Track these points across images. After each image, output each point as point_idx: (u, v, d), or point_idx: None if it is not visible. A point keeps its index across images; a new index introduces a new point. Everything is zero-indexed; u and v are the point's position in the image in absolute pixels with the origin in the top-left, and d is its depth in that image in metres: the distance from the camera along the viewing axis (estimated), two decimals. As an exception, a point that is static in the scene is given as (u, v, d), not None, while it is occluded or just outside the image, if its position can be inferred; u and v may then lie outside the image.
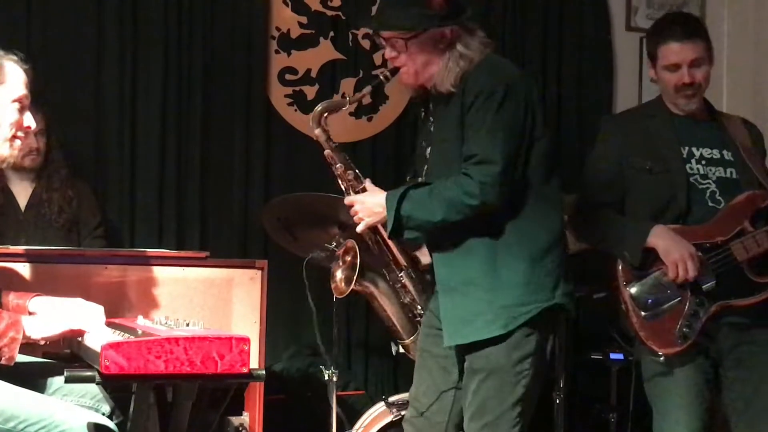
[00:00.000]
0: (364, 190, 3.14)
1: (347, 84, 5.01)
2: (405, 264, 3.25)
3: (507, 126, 2.90)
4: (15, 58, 2.84)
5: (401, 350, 3.93)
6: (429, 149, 3.11)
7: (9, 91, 2.79)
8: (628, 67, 5.54)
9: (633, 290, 3.34)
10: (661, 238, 3.32)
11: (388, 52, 3.04)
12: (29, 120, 2.85)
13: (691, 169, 3.39)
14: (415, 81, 3.04)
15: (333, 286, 3.55)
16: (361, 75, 5.02)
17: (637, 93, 5.56)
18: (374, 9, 4.69)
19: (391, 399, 3.97)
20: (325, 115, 3.16)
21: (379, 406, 4.01)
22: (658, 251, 3.32)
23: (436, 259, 3.06)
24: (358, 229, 3.11)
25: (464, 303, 2.95)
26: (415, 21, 2.95)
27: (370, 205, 3.03)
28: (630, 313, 3.34)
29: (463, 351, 3.01)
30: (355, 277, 3.37)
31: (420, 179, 3.12)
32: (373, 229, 3.15)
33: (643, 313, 3.33)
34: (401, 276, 3.26)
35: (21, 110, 2.82)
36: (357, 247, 3.37)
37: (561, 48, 5.38)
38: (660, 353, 3.28)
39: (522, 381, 2.95)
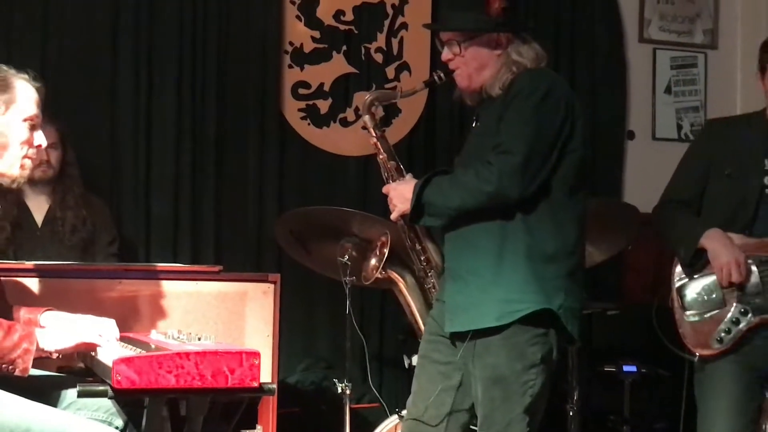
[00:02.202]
0: None
1: (360, 98, 5.01)
2: (436, 263, 3.24)
3: (538, 124, 2.91)
4: (26, 76, 2.85)
5: (414, 363, 3.94)
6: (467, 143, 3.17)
7: (20, 111, 2.80)
8: (641, 79, 5.55)
9: (682, 289, 3.37)
10: (713, 241, 3.35)
11: (445, 54, 3.09)
12: (40, 138, 2.86)
13: None
14: (469, 84, 3.08)
15: (363, 273, 3.55)
16: (373, 88, 5.04)
17: (651, 104, 5.56)
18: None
19: (405, 412, 3.97)
20: (376, 103, 3.24)
21: (393, 419, 4.01)
22: (708, 253, 3.34)
23: (448, 246, 3.08)
24: (392, 216, 3.13)
25: (465, 291, 2.97)
26: (471, 24, 3.02)
27: (402, 191, 3.07)
28: (675, 310, 3.37)
29: (467, 353, 2.99)
30: (381, 265, 3.36)
31: None
32: (406, 221, 3.15)
33: (687, 313, 3.36)
34: (431, 275, 3.24)
35: (32, 129, 2.83)
36: (389, 238, 3.37)
37: (573, 60, 5.38)
38: (696, 353, 3.30)
39: (529, 390, 2.95)
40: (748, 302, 3.31)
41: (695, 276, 3.39)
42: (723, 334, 3.31)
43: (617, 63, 5.49)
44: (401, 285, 3.40)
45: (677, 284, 3.41)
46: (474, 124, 3.19)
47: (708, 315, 3.35)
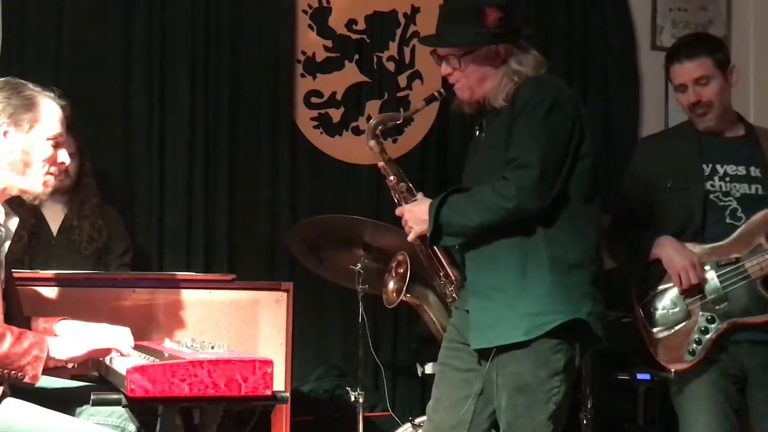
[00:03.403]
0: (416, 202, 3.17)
1: (372, 106, 5.04)
2: (455, 278, 3.23)
3: (550, 134, 2.92)
4: (51, 95, 2.88)
5: (427, 371, 3.94)
6: (474, 156, 3.17)
7: (44, 130, 2.83)
8: (653, 87, 5.53)
9: (645, 308, 3.37)
10: (665, 248, 3.36)
11: (444, 69, 3.09)
12: (63, 156, 2.89)
13: (712, 186, 3.41)
14: (470, 96, 3.09)
15: (384, 297, 3.56)
16: (386, 97, 5.06)
17: (663, 112, 5.55)
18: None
19: (418, 420, 3.97)
20: (380, 128, 3.23)
21: (406, 428, 4.02)
22: (663, 261, 3.34)
23: (469, 263, 3.07)
24: (409, 238, 3.13)
25: (490, 307, 2.97)
26: (468, 38, 3.01)
27: (417, 213, 3.06)
28: (642, 330, 3.36)
29: (491, 364, 3.00)
30: (404, 288, 3.38)
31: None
32: (423, 240, 3.14)
33: (654, 330, 3.36)
34: (452, 290, 3.23)
35: (55, 147, 2.86)
36: (408, 259, 3.38)
37: (586, 67, 5.38)
38: (671, 369, 3.29)
39: (553, 398, 2.95)
40: (713, 309, 3.31)
41: (656, 290, 3.38)
42: (694, 345, 3.30)
43: (630, 70, 5.48)
44: (425, 306, 3.42)
45: (640, 304, 3.40)
46: (477, 134, 3.19)
47: (676, 329, 3.34)
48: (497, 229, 2.95)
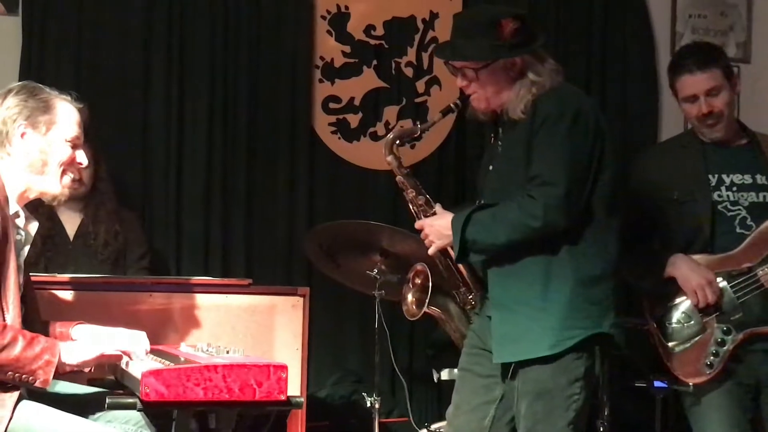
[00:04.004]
0: (434, 214, 3.16)
1: (390, 112, 5.04)
2: (474, 286, 3.23)
3: (573, 150, 2.93)
4: (68, 98, 2.91)
5: (443, 377, 3.93)
6: (491, 169, 3.15)
7: (61, 131, 2.85)
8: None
9: (660, 322, 3.35)
10: (679, 268, 3.34)
11: (460, 81, 3.08)
12: (82, 157, 2.92)
13: (720, 196, 3.39)
14: (486, 107, 3.08)
15: (404, 308, 3.55)
16: (404, 103, 5.06)
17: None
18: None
19: (434, 426, 3.98)
20: (397, 142, 3.23)
21: (422, 433, 4.02)
22: (678, 280, 3.32)
23: (491, 276, 3.07)
24: (430, 251, 3.13)
25: (513, 321, 2.97)
26: (485, 52, 2.99)
27: (438, 228, 3.07)
28: (658, 345, 3.34)
29: (512, 373, 3.01)
30: (427, 300, 3.36)
31: (479, 200, 3.15)
32: (443, 251, 3.15)
33: (670, 344, 3.34)
34: (471, 298, 3.24)
35: (74, 148, 2.88)
36: (428, 270, 3.37)
37: (605, 75, 5.36)
38: (689, 383, 3.27)
39: (573, 405, 2.97)
40: (728, 320, 3.29)
41: (670, 305, 3.36)
42: (712, 358, 3.29)
43: (649, 77, 5.45)
44: (446, 316, 3.41)
45: (654, 318, 3.39)
46: (491, 142, 3.18)
47: (692, 342, 3.32)
48: (521, 244, 2.96)
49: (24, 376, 2.66)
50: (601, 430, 4.07)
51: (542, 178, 2.91)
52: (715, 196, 3.39)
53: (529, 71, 3.01)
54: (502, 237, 2.94)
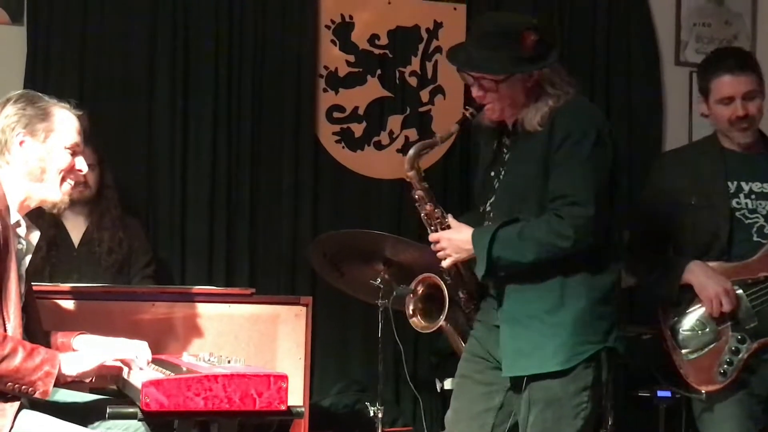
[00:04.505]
0: (448, 227, 3.13)
1: (395, 121, 5.05)
2: (474, 292, 3.23)
3: (598, 170, 2.94)
4: (67, 105, 2.91)
5: (447, 387, 3.92)
6: (499, 179, 3.13)
7: (60, 139, 2.86)
8: (677, 102, 5.51)
9: (674, 328, 3.33)
10: (696, 275, 3.32)
11: (476, 91, 3.04)
12: (81, 164, 2.92)
13: (738, 203, 3.37)
14: (500, 117, 3.07)
15: (413, 321, 3.47)
16: (408, 112, 5.06)
17: (687, 128, 5.52)
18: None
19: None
20: (420, 157, 3.18)
21: (426, 442, 4.01)
22: (694, 287, 3.31)
23: (505, 290, 3.05)
24: (445, 264, 3.10)
25: (525, 335, 2.98)
26: (507, 64, 2.96)
27: (457, 242, 3.05)
28: (672, 351, 3.33)
29: (519, 384, 3.01)
30: (445, 312, 3.27)
31: (483, 207, 3.14)
32: (459, 267, 3.15)
33: (683, 351, 3.32)
34: (471, 307, 3.24)
35: (73, 155, 2.89)
36: (441, 282, 3.28)
37: (609, 83, 5.36)
38: (701, 390, 3.25)
39: (581, 413, 2.98)
40: (743, 329, 3.28)
41: (685, 312, 3.35)
42: (726, 366, 3.27)
43: (653, 86, 5.45)
44: (453, 329, 3.37)
45: (668, 324, 3.37)
46: (495, 149, 3.16)
47: (706, 350, 3.31)
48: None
49: (24, 386, 2.66)
50: (605, 439, 4.06)
51: (571, 198, 2.91)
52: (733, 203, 3.37)
53: (546, 84, 3.00)
54: (530, 255, 2.93)
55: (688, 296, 3.34)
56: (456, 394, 3.20)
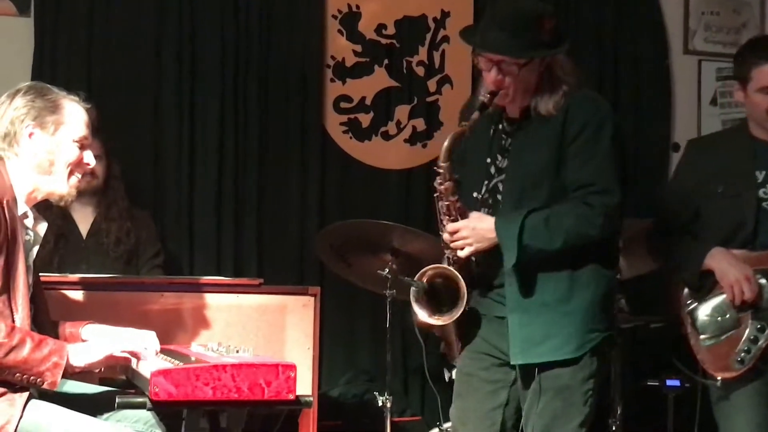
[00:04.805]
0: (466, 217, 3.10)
1: (402, 111, 5.04)
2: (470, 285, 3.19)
3: (618, 158, 2.98)
4: (76, 98, 2.91)
5: (455, 377, 3.91)
6: (504, 164, 3.09)
7: (69, 131, 2.86)
8: (686, 91, 5.50)
9: (693, 313, 3.33)
10: (718, 261, 3.31)
11: (494, 75, 2.98)
12: (89, 158, 2.92)
13: (765, 193, 3.37)
14: (511, 102, 3.05)
15: (420, 321, 3.25)
16: (415, 102, 5.06)
17: (696, 116, 5.51)
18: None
19: (446, 425, 3.96)
20: (454, 147, 3.11)
21: (434, 432, 4.01)
22: (715, 273, 3.30)
23: (513, 279, 3.04)
24: (463, 253, 3.05)
25: (536, 323, 2.99)
26: (530, 47, 2.95)
27: (481, 231, 3.01)
28: (690, 336, 3.32)
29: (528, 371, 3.02)
30: (464, 302, 3.10)
31: (477, 194, 3.12)
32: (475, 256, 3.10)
33: (701, 337, 3.32)
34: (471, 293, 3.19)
35: (81, 148, 2.89)
36: (455, 272, 3.13)
37: (617, 72, 5.35)
38: (717, 377, 3.25)
39: (589, 400, 3.01)
40: (763, 317, 3.27)
41: (705, 298, 3.34)
42: (743, 354, 3.26)
43: (662, 75, 5.44)
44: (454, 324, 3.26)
45: (688, 309, 3.37)
46: (494, 136, 3.12)
47: (724, 337, 3.30)
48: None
49: (32, 377, 2.67)
50: (614, 429, 4.06)
51: (599, 186, 2.93)
52: (760, 192, 3.36)
53: (558, 70, 3.01)
54: (557, 243, 2.94)
55: (709, 282, 3.33)
56: (461, 393, 3.20)
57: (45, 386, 2.68)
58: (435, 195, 3.13)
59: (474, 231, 3.04)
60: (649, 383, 4.39)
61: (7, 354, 2.64)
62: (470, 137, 3.15)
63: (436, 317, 3.14)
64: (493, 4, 3.08)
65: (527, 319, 2.99)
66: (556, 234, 2.93)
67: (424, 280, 3.17)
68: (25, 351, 2.66)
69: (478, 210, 3.08)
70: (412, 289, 3.19)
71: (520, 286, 3.02)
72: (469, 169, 3.19)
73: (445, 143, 3.09)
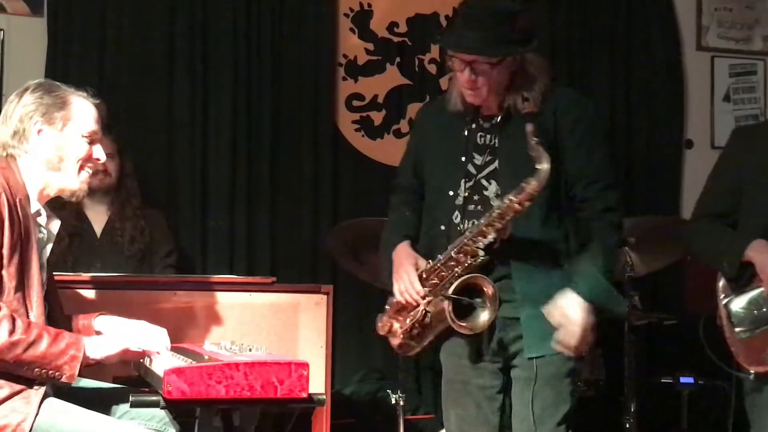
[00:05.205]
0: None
1: (414, 109, 5.03)
2: None
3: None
4: (84, 94, 2.91)
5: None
6: (483, 161, 3.07)
7: (78, 127, 2.85)
8: (699, 87, 5.49)
9: (729, 305, 3.30)
10: (759, 253, 3.25)
11: (467, 75, 2.96)
12: (99, 153, 2.91)
13: None
14: (482, 102, 3.03)
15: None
16: (427, 100, 5.05)
17: (709, 113, 5.50)
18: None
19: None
20: None
21: (447, 430, 4.00)
22: (756, 266, 3.27)
23: (518, 271, 3.03)
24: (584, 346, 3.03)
25: (542, 316, 3.00)
26: (503, 47, 2.94)
27: (574, 328, 2.98)
28: (724, 328, 3.30)
29: (528, 365, 3.04)
30: (496, 304, 3.01)
31: (452, 192, 3.07)
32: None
33: (737, 329, 3.28)
34: None
35: (91, 144, 2.89)
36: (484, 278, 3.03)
37: (630, 68, 5.34)
38: (751, 371, 3.23)
39: (575, 391, 3.09)
40: None
41: (742, 290, 3.32)
42: None
43: (675, 71, 5.42)
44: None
45: (724, 300, 3.33)
46: (473, 126, 3.07)
47: (759, 330, 3.26)
48: (546, 239, 3.00)
49: (50, 372, 2.68)
50: (627, 426, 4.05)
51: (605, 182, 3.00)
52: None
53: (529, 67, 3.00)
54: (612, 263, 3.05)
55: (747, 274, 3.30)
56: (457, 400, 3.18)
57: (64, 380, 2.69)
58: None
59: (573, 330, 2.99)
60: (662, 380, 4.38)
61: (26, 350, 2.65)
62: (432, 137, 3.16)
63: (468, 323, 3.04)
64: (466, 2, 3.05)
65: (537, 312, 3.00)
66: (612, 257, 3.06)
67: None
68: (42, 346, 2.67)
69: (461, 208, 3.04)
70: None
71: (527, 278, 3.02)
72: (436, 169, 3.16)
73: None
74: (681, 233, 3.57)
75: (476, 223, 2.98)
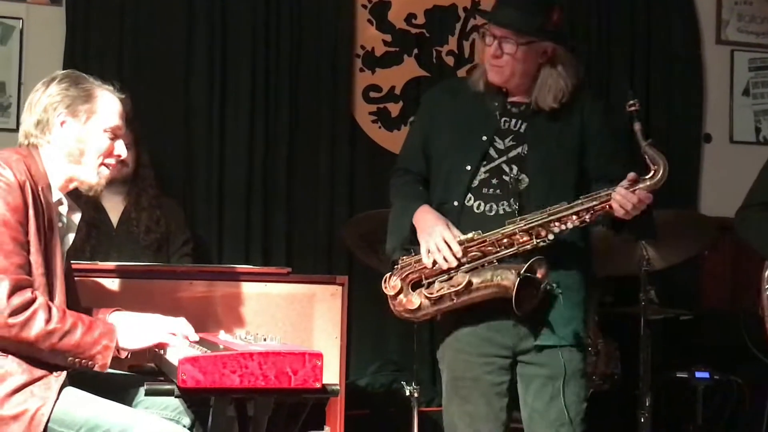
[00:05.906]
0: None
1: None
2: None
3: None
4: (110, 88, 2.90)
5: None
6: (504, 146, 3.10)
7: (101, 121, 2.85)
8: (718, 81, 5.46)
9: None
10: None
11: (494, 49, 3.03)
12: (120, 148, 2.91)
13: None
14: (503, 82, 3.08)
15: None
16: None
17: (728, 106, 5.47)
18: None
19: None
20: None
21: (461, 423, 4.00)
22: None
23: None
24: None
25: (564, 305, 3.04)
26: (534, 29, 3.00)
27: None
28: (765, 318, 3.28)
29: (549, 357, 3.07)
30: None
31: (470, 167, 3.09)
32: None
33: None
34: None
35: (113, 139, 2.89)
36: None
37: (649, 62, 5.32)
38: None
39: (588, 383, 3.18)
40: None
41: None
42: None
43: (694, 65, 5.40)
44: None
45: (766, 291, 3.32)
46: (501, 110, 3.11)
47: None
48: (566, 238, 3.02)
49: (84, 360, 2.69)
50: (642, 420, 4.03)
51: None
52: None
53: (558, 63, 3.05)
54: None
55: None
56: (467, 398, 3.17)
57: (96, 368, 2.71)
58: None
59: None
60: (677, 375, 4.37)
61: (61, 338, 2.66)
62: (447, 116, 3.17)
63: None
64: None
65: (559, 301, 3.03)
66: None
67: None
68: (77, 335, 2.67)
69: (476, 189, 3.07)
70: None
71: (554, 269, 3.03)
72: (452, 144, 3.16)
73: None
74: (728, 221, 3.54)
75: (554, 208, 2.96)
